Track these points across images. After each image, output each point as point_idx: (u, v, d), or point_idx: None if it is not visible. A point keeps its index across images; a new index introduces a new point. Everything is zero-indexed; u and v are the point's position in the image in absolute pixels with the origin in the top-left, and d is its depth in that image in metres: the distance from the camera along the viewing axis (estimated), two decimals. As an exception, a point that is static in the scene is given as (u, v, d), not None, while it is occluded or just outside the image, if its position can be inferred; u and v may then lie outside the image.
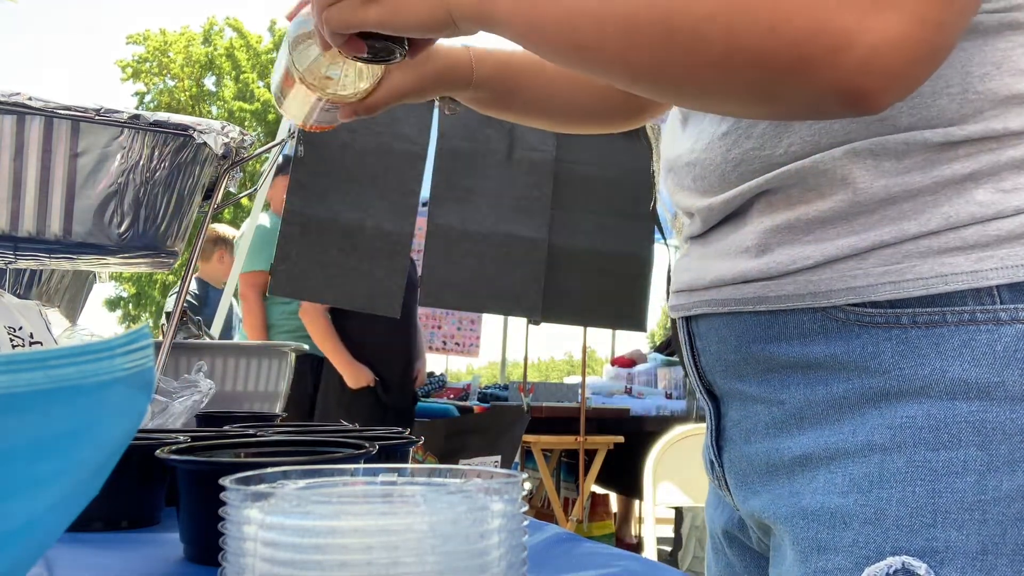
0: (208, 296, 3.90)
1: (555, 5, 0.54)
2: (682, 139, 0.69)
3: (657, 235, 3.85)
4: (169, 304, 4.32)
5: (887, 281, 0.55)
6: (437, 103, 0.94)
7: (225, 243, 3.96)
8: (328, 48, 0.71)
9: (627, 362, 5.59)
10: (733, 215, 0.64)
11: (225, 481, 0.41)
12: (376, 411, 3.32)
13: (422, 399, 4.14)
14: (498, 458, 3.72)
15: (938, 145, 0.55)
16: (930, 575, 0.52)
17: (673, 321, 0.72)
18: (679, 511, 4.06)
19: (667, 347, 5.57)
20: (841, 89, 0.47)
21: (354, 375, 3.30)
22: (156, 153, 1.06)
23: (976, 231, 0.54)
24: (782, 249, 0.59)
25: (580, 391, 4.13)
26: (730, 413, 0.67)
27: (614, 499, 4.91)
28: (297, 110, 0.83)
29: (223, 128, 1.12)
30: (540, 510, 4.45)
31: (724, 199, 0.63)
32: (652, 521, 2.03)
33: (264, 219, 3.52)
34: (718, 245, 0.65)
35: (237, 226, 4.01)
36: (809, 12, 0.46)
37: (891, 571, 0.53)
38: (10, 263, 1.13)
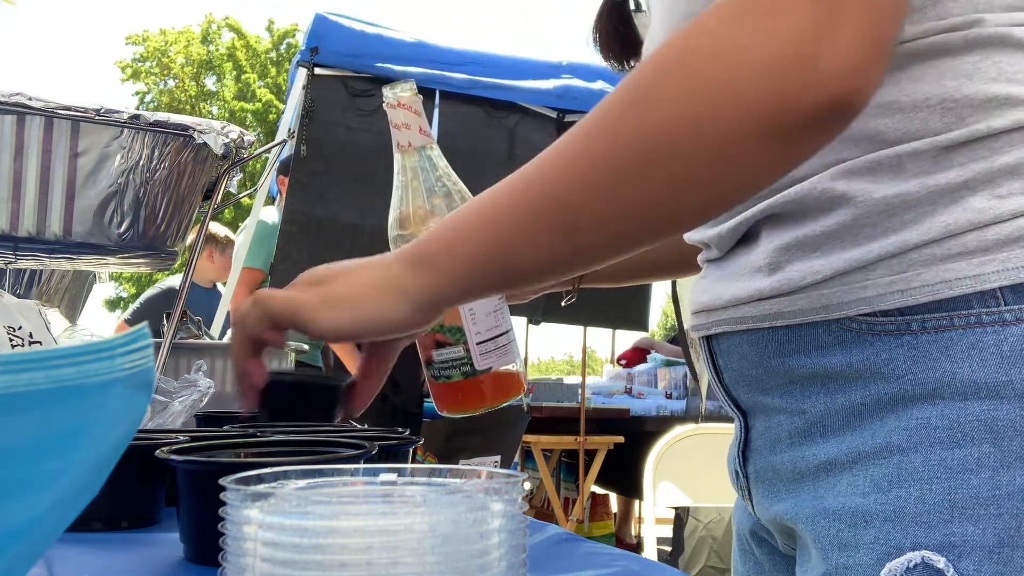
0: (193, 294, 3.80)
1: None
2: None
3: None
4: (151, 291, 4.10)
5: (895, 290, 0.57)
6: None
7: (215, 241, 3.75)
8: None
9: (634, 354, 5.36)
10: (744, 238, 0.67)
11: (225, 481, 0.41)
12: (385, 411, 3.31)
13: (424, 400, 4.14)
14: (498, 458, 3.72)
15: (929, 155, 0.57)
16: (949, 568, 0.53)
17: (679, 326, 0.73)
18: (680, 515, 4.05)
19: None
20: (827, 99, 0.49)
21: None
22: (156, 153, 1.06)
23: (975, 236, 0.55)
24: (793, 266, 0.61)
25: (580, 391, 4.13)
26: (756, 425, 0.69)
27: (614, 499, 4.91)
28: None
29: (223, 128, 1.12)
30: (540, 510, 4.45)
31: (731, 226, 0.66)
32: (652, 521, 2.03)
33: (270, 215, 3.49)
34: (732, 266, 0.67)
35: (237, 226, 3.95)
36: (763, 51, 0.48)
37: (911, 565, 0.54)
38: (10, 263, 1.13)
